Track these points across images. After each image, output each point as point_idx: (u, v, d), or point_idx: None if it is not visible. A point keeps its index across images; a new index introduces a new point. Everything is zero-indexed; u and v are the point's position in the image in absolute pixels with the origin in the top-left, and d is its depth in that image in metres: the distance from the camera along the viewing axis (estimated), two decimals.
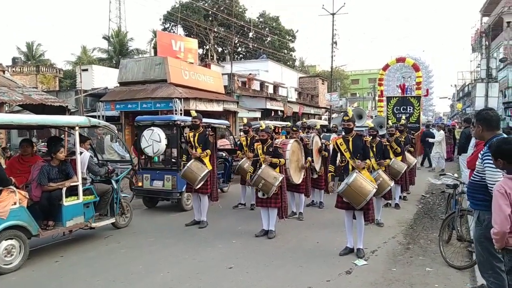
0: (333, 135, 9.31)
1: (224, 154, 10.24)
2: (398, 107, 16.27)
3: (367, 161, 5.46)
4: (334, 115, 29.40)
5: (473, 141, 6.28)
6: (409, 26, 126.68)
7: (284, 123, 16.44)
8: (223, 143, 12.26)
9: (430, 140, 14.70)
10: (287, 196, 6.60)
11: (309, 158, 7.50)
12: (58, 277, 4.79)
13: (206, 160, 6.93)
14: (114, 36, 38.20)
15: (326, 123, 19.20)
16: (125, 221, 6.98)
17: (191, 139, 6.96)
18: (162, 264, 5.13)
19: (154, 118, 9.05)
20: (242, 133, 9.15)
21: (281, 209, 6.28)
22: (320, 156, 8.02)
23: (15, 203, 4.99)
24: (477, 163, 3.49)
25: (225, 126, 10.31)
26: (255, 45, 38.35)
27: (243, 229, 6.79)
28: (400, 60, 19.62)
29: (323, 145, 8.13)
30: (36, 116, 6.72)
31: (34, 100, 10.63)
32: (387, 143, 7.80)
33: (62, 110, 11.02)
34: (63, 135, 8.49)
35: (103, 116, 17.01)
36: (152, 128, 8.00)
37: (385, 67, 18.95)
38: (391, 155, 7.94)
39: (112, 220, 6.52)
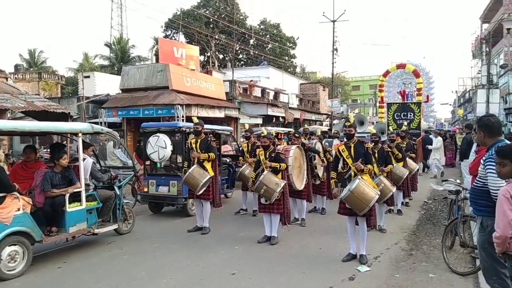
0: (336, 141, 9.33)
1: (228, 160, 10.32)
2: (399, 114, 16.30)
3: (369, 166, 5.47)
4: (335, 121, 29.45)
5: (474, 147, 6.30)
6: (409, 28, 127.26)
7: (287, 129, 16.45)
8: (226, 149, 12.30)
9: (429, 147, 14.72)
10: (289, 203, 6.60)
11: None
12: (61, 283, 4.80)
13: (208, 166, 6.95)
14: (116, 43, 38.39)
15: (326, 129, 19.17)
16: (128, 227, 6.99)
17: (193, 145, 6.98)
18: (165, 270, 5.13)
19: (160, 125, 9.25)
20: (243, 139, 9.19)
21: (284, 216, 6.28)
22: (322, 161, 8.03)
23: (18, 209, 5.01)
24: (479, 169, 3.49)
25: (229, 132, 10.38)
26: (256, 52, 38.50)
27: (245, 235, 6.79)
28: (401, 66, 19.69)
29: (326, 150, 8.18)
30: (39, 122, 6.75)
31: (36, 106, 10.68)
32: (389, 149, 7.83)
33: (64, 117, 11.06)
34: (65, 142, 8.54)
35: (105, 123, 17.05)
36: (158, 134, 8.15)
37: (386, 73, 19.01)
38: (393, 161, 7.95)
39: (115, 226, 6.53)
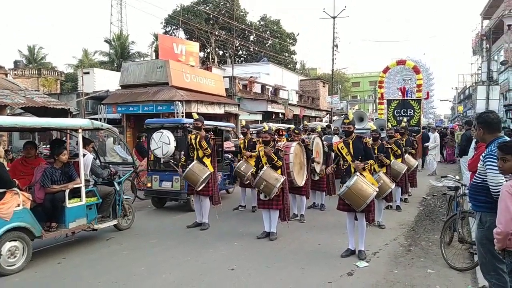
0: (335, 137, 9.32)
1: (230, 156, 10.36)
2: (399, 110, 16.26)
3: (370, 161, 5.47)
4: (335, 118, 29.44)
5: (473, 143, 6.31)
6: (410, 27, 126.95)
7: (287, 126, 16.44)
8: (227, 145, 12.30)
9: (426, 145, 14.76)
10: (289, 199, 6.62)
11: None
12: (61, 279, 4.82)
13: (208, 162, 6.96)
14: (116, 39, 38.31)
15: (324, 125, 19.16)
16: (127, 223, 7.01)
17: (193, 141, 6.99)
18: (164, 266, 5.15)
19: (164, 121, 9.43)
20: (241, 135, 9.20)
21: (283, 212, 6.30)
22: (321, 155, 8.03)
23: (18, 205, 5.02)
24: (478, 165, 3.50)
25: (230, 129, 10.41)
26: (256, 48, 38.42)
27: (245, 231, 6.81)
28: (401, 62, 19.62)
29: (325, 145, 8.19)
30: (40, 118, 6.76)
31: (36, 103, 10.67)
32: (388, 145, 7.87)
33: (64, 113, 11.07)
34: (64, 138, 8.54)
35: (104, 119, 17.06)
36: (161, 130, 8.31)
37: (386, 70, 18.94)
38: (391, 157, 7.97)
39: (115, 222, 6.55)
